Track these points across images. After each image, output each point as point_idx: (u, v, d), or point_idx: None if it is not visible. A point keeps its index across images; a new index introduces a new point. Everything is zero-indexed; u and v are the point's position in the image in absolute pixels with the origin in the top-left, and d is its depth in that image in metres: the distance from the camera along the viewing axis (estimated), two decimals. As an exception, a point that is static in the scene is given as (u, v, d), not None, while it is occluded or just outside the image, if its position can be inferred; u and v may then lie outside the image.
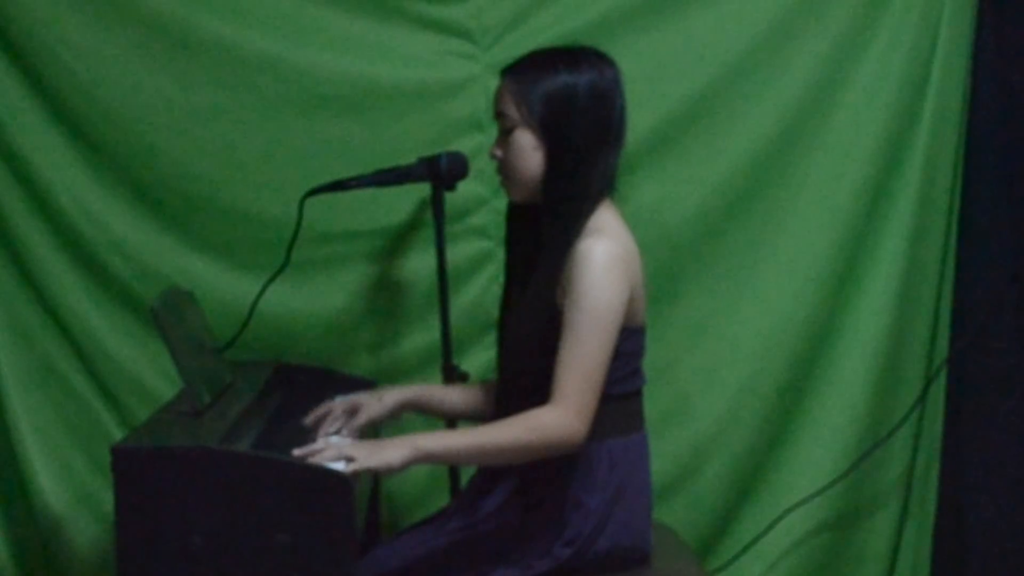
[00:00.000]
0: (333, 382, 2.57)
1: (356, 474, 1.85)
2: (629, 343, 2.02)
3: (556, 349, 1.93)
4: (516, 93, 2.03)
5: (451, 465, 2.53)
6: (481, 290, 2.72)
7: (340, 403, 2.23)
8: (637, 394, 2.09)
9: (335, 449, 1.89)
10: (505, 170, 2.09)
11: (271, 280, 2.56)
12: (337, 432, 2.16)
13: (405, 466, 1.88)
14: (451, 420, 2.43)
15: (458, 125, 2.66)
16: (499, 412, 2.04)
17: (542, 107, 2.01)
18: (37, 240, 2.67)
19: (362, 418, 2.18)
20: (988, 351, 2.74)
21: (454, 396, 2.32)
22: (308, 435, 2.15)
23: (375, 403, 2.21)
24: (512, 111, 2.04)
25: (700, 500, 2.78)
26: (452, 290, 2.58)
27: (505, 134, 2.06)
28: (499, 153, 2.08)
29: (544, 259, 2.01)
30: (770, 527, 2.76)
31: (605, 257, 1.94)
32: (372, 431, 2.28)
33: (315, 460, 1.88)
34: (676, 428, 2.75)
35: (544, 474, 2.01)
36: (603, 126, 2.02)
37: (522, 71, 2.05)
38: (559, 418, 1.90)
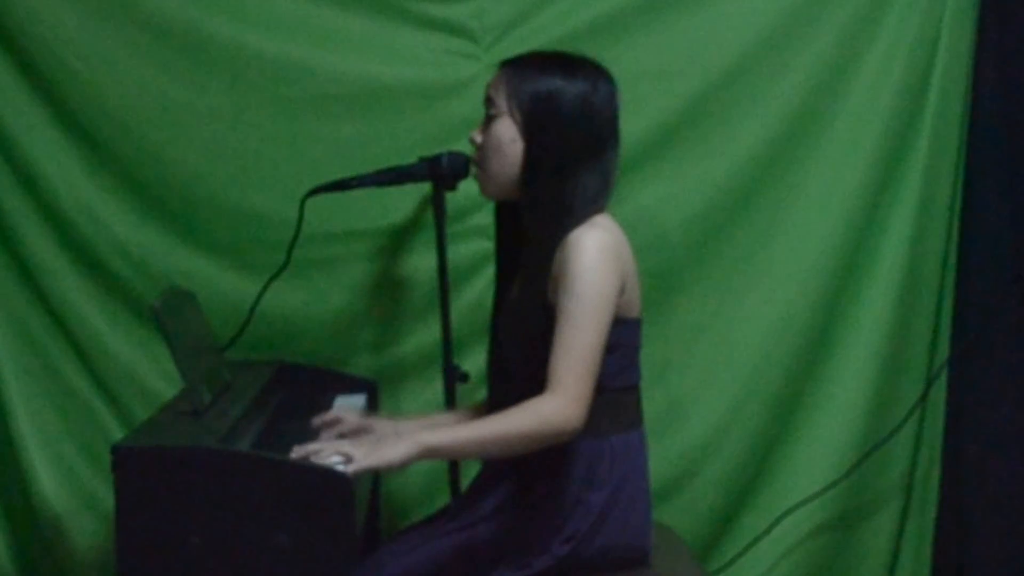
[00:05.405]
0: (333, 382, 2.58)
1: (356, 474, 1.84)
2: (626, 335, 2.02)
3: (548, 345, 1.93)
4: (508, 83, 2.05)
5: (452, 460, 2.52)
6: (482, 290, 2.71)
7: (354, 420, 2.20)
8: (635, 388, 2.08)
9: (333, 447, 1.88)
10: (480, 159, 2.10)
11: (272, 280, 2.56)
12: (341, 436, 2.14)
13: (406, 463, 1.87)
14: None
15: (459, 125, 2.64)
16: (492, 412, 2.03)
17: (529, 102, 2.02)
18: (38, 240, 2.67)
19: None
20: (989, 352, 2.74)
21: (465, 420, 2.27)
22: (309, 435, 2.14)
23: (391, 435, 2.12)
24: (501, 99, 2.05)
25: (700, 501, 2.77)
26: (453, 290, 2.58)
27: (488, 121, 2.07)
28: (479, 139, 2.10)
29: (530, 257, 2.01)
30: (771, 528, 2.75)
31: (596, 245, 1.95)
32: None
33: (313, 460, 1.87)
34: (676, 428, 2.75)
35: (546, 473, 2.01)
36: (587, 140, 2.02)
37: (520, 64, 2.07)
38: (557, 405, 1.90)
